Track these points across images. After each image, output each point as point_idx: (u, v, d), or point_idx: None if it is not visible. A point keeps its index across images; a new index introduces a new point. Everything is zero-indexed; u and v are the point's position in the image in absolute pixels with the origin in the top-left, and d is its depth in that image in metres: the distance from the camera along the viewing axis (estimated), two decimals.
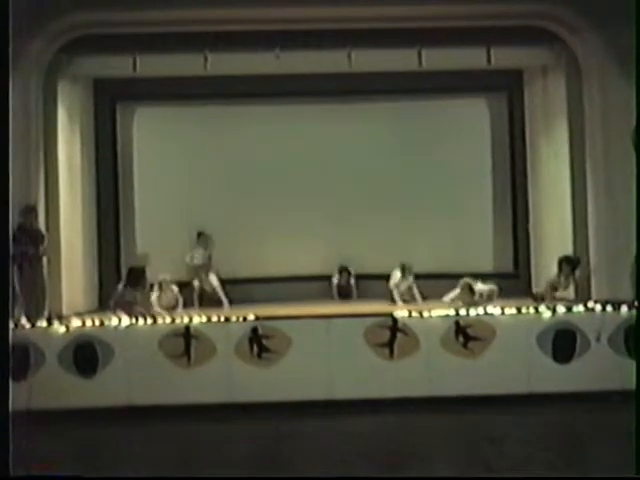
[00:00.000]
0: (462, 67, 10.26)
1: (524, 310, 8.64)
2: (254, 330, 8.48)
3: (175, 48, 9.49)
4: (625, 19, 7.42)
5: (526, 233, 11.30)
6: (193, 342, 8.45)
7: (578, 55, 9.68)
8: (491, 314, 8.61)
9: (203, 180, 11.33)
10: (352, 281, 11.15)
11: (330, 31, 9.44)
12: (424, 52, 9.59)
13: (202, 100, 11.29)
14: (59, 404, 8.17)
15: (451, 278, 10.08)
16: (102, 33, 9.51)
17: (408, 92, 11.36)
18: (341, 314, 8.94)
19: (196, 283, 10.63)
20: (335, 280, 11.08)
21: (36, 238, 8.95)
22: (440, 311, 8.72)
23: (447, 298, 9.89)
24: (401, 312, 8.65)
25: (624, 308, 8.50)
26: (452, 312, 8.64)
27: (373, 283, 10.90)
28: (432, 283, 10.51)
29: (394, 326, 8.51)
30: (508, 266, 11.46)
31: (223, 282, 10.68)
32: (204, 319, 8.64)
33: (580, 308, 8.63)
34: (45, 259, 9.13)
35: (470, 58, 9.86)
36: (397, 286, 10.43)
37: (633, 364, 7.48)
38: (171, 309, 9.89)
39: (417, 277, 10.62)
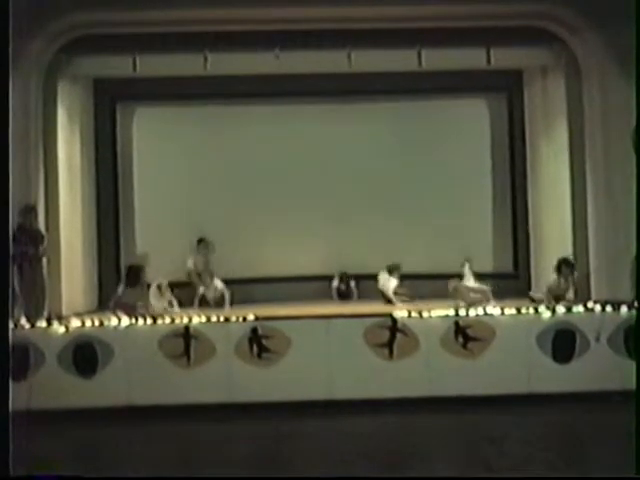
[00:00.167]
0: (462, 67, 10.26)
1: (524, 310, 8.64)
2: (254, 330, 8.47)
3: (175, 48, 9.49)
4: (625, 19, 7.42)
5: (526, 234, 11.30)
6: (193, 342, 8.44)
7: (578, 55, 9.68)
8: (491, 314, 8.61)
9: (203, 180, 11.33)
10: (352, 284, 11.15)
11: (330, 31, 9.44)
12: (424, 52, 9.59)
13: (202, 100, 11.29)
14: (59, 404, 8.17)
15: (451, 278, 10.08)
16: (102, 33, 9.51)
17: (408, 92, 11.36)
18: (341, 314, 8.95)
19: (201, 290, 10.58)
20: (335, 284, 11.07)
21: (36, 238, 8.95)
22: (440, 311, 8.72)
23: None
24: (400, 312, 8.65)
25: (624, 308, 8.49)
26: (452, 312, 8.65)
27: (373, 283, 10.90)
28: (432, 283, 10.51)
29: (394, 326, 8.51)
30: (508, 266, 11.46)
31: (224, 283, 10.67)
32: (204, 319, 8.63)
33: (580, 308, 8.63)
34: (45, 259, 9.14)
35: (470, 58, 9.86)
36: (386, 287, 10.46)
37: (633, 364, 7.49)
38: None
39: (417, 277, 10.62)
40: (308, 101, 11.42)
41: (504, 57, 9.85)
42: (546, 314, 8.57)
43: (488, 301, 9.48)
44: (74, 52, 9.72)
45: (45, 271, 9.17)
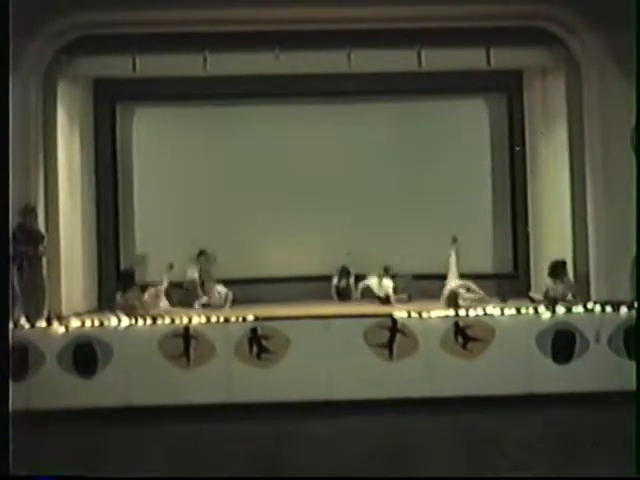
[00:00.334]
0: (461, 68, 10.25)
1: (523, 311, 8.66)
2: (253, 330, 8.48)
3: (175, 48, 9.48)
4: (625, 20, 7.43)
5: (526, 234, 11.29)
6: (192, 342, 8.45)
7: (578, 56, 9.68)
8: (490, 315, 8.62)
9: (203, 180, 11.32)
10: (352, 281, 11.13)
11: (330, 31, 9.43)
12: (423, 52, 9.58)
13: (202, 100, 11.27)
14: (58, 404, 8.18)
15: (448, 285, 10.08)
16: (102, 33, 9.49)
17: (407, 93, 11.35)
18: (340, 314, 8.95)
19: (204, 300, 10.53)
20: (335, 281, 11.06)
21: (36, 238, 8.96)
22: (439, 312, 8.72)
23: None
24: (400, 313, 8.66)
25: (623, 309, 8.51)
26: (451, 313, 8.65)
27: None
28: (431, 284, 10.50)
29: (393, 327, 8.52)
30: (507, 267, 11.46)
31: (224, 283, 10.66)
32: (203, 319, 8.64)
33: (579, 309, 8.64)
34: (45, 259, 9.14)
35: (469, 59, 9.86)
36: (385, 288, 10.45)
37: (632, 365, 7.49)
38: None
39: (417, 277, 10.61)
40: (308, 101, 11.41)
41: (504, 57, 9.84)
42: (546, 314, 8.58)
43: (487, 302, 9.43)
44: (74, 52, 9.71)
45: (45, 271, 9.17)
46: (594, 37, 9.38)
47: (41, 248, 8.99)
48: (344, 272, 11.07)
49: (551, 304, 8.86)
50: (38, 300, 8.90)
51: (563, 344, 8.46)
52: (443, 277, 10.15)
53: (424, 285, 10.57)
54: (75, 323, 8.62)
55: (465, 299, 9.45)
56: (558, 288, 9.24)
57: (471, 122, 11.56)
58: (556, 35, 9.69)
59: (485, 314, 8.62)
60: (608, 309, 8.56)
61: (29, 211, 8.93)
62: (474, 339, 8.49)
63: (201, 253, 10.78)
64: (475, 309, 8.75)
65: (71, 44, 9.57)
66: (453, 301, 9.34)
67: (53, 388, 8.31)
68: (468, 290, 9.70)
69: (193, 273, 10.68)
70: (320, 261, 11.07)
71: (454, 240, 10.28)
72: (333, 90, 11.11)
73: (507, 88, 11.47)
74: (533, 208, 11.12)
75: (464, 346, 8.48)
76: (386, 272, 10.52)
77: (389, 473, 6.33)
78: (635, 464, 5.14)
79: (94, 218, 11.10)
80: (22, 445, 5.18)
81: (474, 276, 10.11)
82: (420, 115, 11.52)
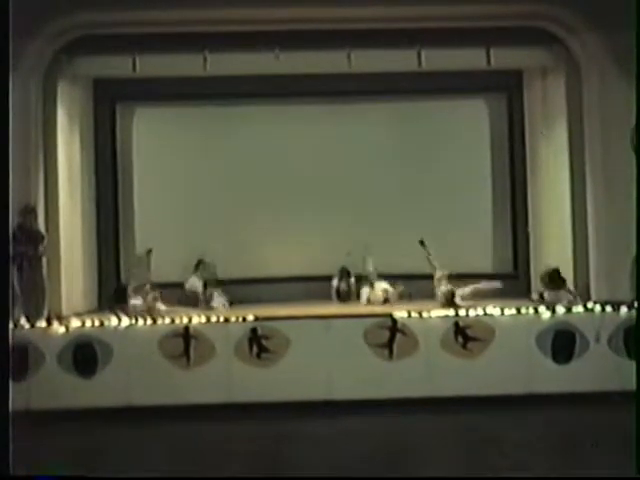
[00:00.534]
0: (461, 68, 10.24)
1: (523, 311, 8.66)
2: (253, 330, 8.49)
3: (175, 48, 9.47)
4: (625, 20, 7.43)
5: (525, 234, 11.29)
6: (192, 342, 8.46)
7: (578, 56, 9.68)
8: (490, 315, 8.62)
9: (203, 180, 11.31)
10: (352, 282, 11.12)
11: (330, 31, 9.43)
12: (423, 52, 9.57)
13: (202, 100, 11.26)
14: (58, 404, 8.19)
15: (451, 278, 10.06)
16: (102, 33, 9.49)
17: (407, 93, 11.35)
18: (340, 314, 8.96)
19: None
20: (335, 282, 11.05)
21: (36, 238, 8.96)
22: (439, 311, 8.73)
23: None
24: (400, 312, 8.66)
25: (623, 309, 8.51)
26: (451, 312, 8.65)
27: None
28: (431, 284, 10.49)
29: (393, 326, 8.53)
30: (507, 267, 11.46)
31: (224, 283, 10.66)
32: (203, 319, 8.65)
33: (579, 309, 8.64)
34: (45, 259, 9.14)
35: (469, 59, 9.85)
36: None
37: (632, 365, 7.49)
38: None
39: (417, 278, 10.60)
40: (308, 101, 11.40)
41: (504, 57, 9.84)
42: (546, 314, 8.58)
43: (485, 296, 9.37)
44: (74, 52, 9.70)
45: (45, 271, 9.17)
46: (594, 37, 9.38)
47: (41, 248, 8.99)
48: (344, 273, 11.07)
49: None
50: (38, 300, 8.91)
51: (563, 344, 8.47)
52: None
53: (424, 285, 10.56)
54: (75, 323, 8.63)
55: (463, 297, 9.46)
56: (555, 295, 9.23)
57: (471, 122, 11.55)
58: (556, 35, 9.69)
59: (485, 314, 8.62)
60: (608, 309, 8.56)
61: (29, 211, 8.93)
62: (474, 339, 8.50)
63: (199, 262, 10.72)
64: (475, 308, 8.75)
65: (71, 44, 9.57)
66: (449, 300, 9.33)
67: (53, 388, 8.32)
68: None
69: (195, 283, 10.60)
70: (320, 261, 11.06)
71: (422, 244, 10.23)
72: (333, 90, 11.10)
73: (507, 88, 11.46)
74: (533, 208, 11.12)
75: (464, 346, 8.49)
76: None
77: (389, 473, 6.33)
78: (635, 464, 5.14)
79: (94, 218, 11.09)
80: (22, 445, 5.19)
81: (474, 276, 10.11)
82: (420, 115, 11.51)
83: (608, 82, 9.31)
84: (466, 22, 9.50)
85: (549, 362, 8.45)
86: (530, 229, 11.11)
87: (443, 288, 9.54)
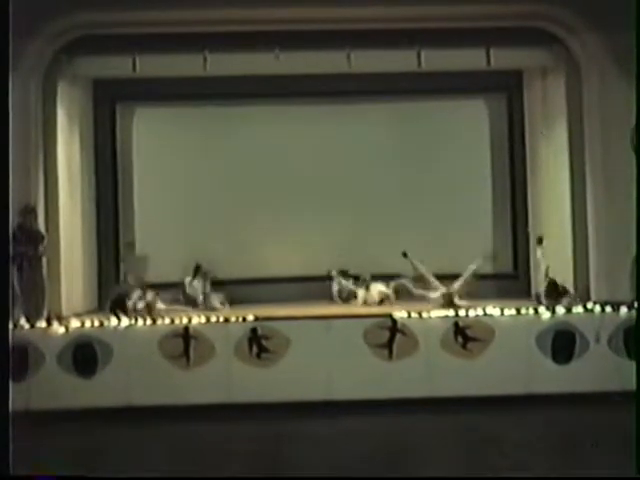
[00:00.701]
0: (461, 68, 10.24)
1: (523, 311, 8.66)
2: (253, 330, 8.49)
3: (175, 48, 9.47)
4: (625, 20, 7.42)
5: (525, 234, 11.29)
6: (192, 342, 8.46)
7: (578, 56, 9.68)
8: (490, 315, 8.62)
9: (203, 180, 11.31)
10: (351, 284, 11.12)
11: (330, 31, 9.43)
12: (423, 53, 9.57)
13: (202, 100, 11.27)
14: (58, 404, 8.19)
15: (450, 279, 10.07)
16: (102, 33, 9.49)
17: (407, 93, 11.35)
18: (340, 315, 8.96)
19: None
20: (335, 286, 11.03)
21: (36, 238, 8.97)
22: (439, 312, 8.73)
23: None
24: (400, 313, 8.66)
25: (623, 309, 8.51)
26: (451, 313, 8.65)
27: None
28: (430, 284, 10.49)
29: (393, 327, 8.53)
30: (507, 267, 11.46)
31: (224, 283, 10.66)
32: (203, 320, 8.65)
33: (579, 309, 8.64)
34: (45, 259, 9.14)
35: (469, 59, 9.85)
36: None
37: (632, 365, 7.50)
38: None
39: (416, 278, 10.60)
40: (308, 101, 11.41)
41: (504, 58, 9.84)
42: (546, 315, 8.58)
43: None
44: (74, 52, 9.71)
45: (45, 271, 9.17)
46: (594, 37, 9.38)
47: (41, 248, 8.99)
48: (344, 275, 11.06)
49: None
50: (38, 300, 8.91)
51: (563, 344, 8.47)
52: (442, 277, 10.12)
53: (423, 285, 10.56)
54: (75, 323, 8.63)
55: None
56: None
57: (471, 122, 11.56)
58: (556, 35, 9.69)
59: (485, 314, 8.62)
60: (608, 309, 8.56)
61: (29, 211, 8.94)
62: (474, 339, 8.50)
63: (198, 267, 10.69)
64: (475, 309, 8.75)
65: (71, 44, 9.57)
66: (448, 302, 9.32)
67: (53, 388, 8.32)
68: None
69: (196, 289, 10.58)
70: (320, 261, 11.07)
71: (404, 255, 10.19)
72: (333, 90, 11.11)
73: (507, 88, 11.47)
74: (533, 208, 11.12)
75: (464, 346, 8.49)
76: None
77: (389, 473, 6.33)
78: (635, 464, 5.14)
79: (94, 218, 11.09)
80: (22, 445, 5.18)
81: (474, 276, 10.10)
82: (420, 115, 11.52)
83: (608, 82, 9.31)
84: (466, 22, 9.50)
85: (549, 362, 8.45)
86: (530, 229, 11.12)
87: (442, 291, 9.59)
